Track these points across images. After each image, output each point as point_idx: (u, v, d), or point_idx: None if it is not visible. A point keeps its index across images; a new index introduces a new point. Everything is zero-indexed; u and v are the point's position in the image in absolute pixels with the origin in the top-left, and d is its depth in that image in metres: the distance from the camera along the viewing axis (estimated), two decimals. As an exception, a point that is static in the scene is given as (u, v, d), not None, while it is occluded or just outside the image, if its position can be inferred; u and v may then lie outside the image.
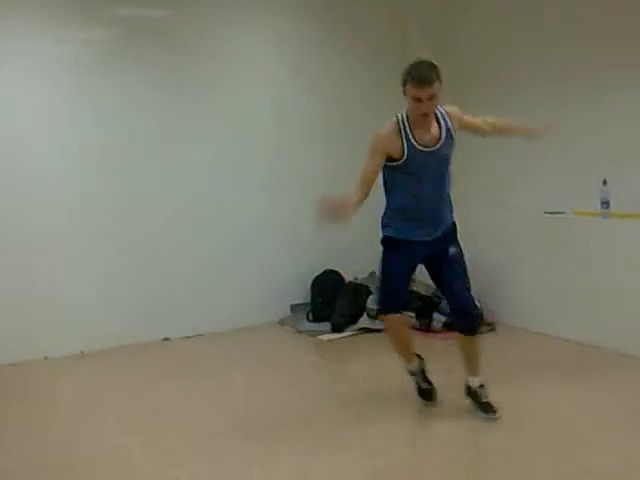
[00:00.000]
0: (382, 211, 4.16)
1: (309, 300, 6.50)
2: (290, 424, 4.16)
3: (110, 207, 5.76)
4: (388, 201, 4.13)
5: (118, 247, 5.81)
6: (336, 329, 6.11)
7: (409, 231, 4.03)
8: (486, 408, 4.13)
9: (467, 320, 4.09)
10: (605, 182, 5.23)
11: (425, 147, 3.90)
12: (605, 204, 5.26)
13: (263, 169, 6.35)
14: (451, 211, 4.18)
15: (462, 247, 4.16)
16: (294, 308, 6.57)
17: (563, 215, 5.58)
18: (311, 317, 6.37)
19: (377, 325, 5.89)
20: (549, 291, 5.80)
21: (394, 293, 4.12)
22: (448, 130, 3.96)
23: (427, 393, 4.32)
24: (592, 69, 5.28)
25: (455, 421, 4.13)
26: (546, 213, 5.70)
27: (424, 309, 6.07)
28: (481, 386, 4.19)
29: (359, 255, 6.21)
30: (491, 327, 6.00)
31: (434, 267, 4.17)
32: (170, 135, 5.96)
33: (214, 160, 6.17)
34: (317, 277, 6.51)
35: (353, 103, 6.54)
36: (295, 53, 6.49)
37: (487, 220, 6.21)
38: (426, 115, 3.84)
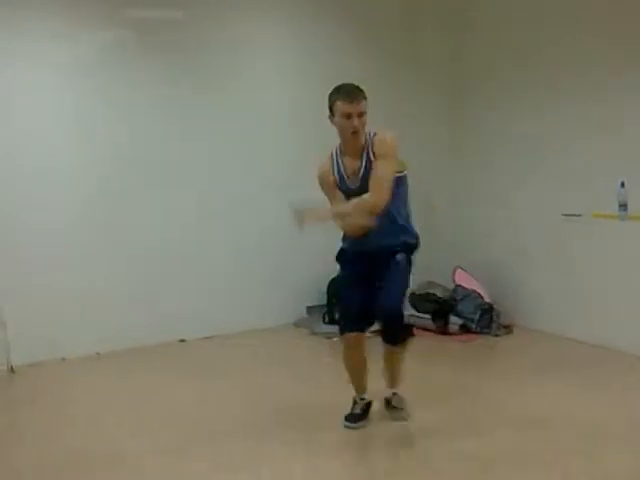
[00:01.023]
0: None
1: (325, 302, 6.48)
2: (304, 425, 4.16)
3: (125, 208, 5.79)
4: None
5: (134, 248, 5.83)
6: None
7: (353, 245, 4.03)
8: (395, 410, 4.17)
9: (391, 326, 4.00)
10: (623, 184, 5.20)
11: (349, 175, 3.95)
12: (623, 206, 5.22)
13: (280, 169, 6.34)
14: (405, 234, 4.04)
15: (409, 259, 4.02)
16: (310, 310, 6.56)
17: (580, 217, 5.55)
18: (327, 319, 6.36)
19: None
20: (566, 293, 5.77)
21: (347, 311, 4.11)
22: (368, 159, 3.88)
23: (354, 417, 4.16)
24: (610, 70, 5.26)
25: (463, 421, 4.14)
26: (563, 215, 5.66)
27: (440, 311, 6.05)
28: (394, 394, 4.22)
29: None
30: (508, 329, 5.98)
31: (376, 271, 4.04)
32: (182, 135, 5.98)
33: (229, 160, 6.18)
34: (333, 279, 6.48)
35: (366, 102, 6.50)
36: (307, 52, 6.48)
37: (503, 222, 6.20)
38: (356, 133, 3.85)
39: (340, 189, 3.99)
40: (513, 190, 6.16)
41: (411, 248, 4.03)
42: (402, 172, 3.93)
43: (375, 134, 3.89)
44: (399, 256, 3.96)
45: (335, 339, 5.96)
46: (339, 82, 6.35)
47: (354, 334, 4.04)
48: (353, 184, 3.93)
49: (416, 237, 4.06)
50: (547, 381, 4.76)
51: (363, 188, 3.85)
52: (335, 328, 6.06)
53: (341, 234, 4.11)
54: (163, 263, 5.95)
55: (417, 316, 5.99)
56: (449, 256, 6.24)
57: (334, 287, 4.08)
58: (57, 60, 5.49)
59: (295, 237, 6.35)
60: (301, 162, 6.39)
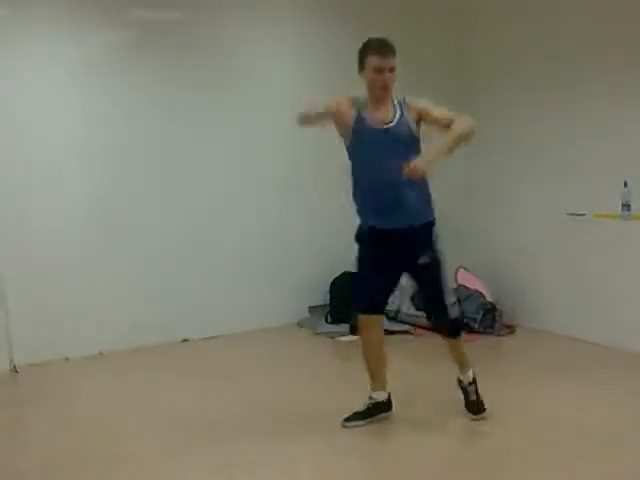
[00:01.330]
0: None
1: (328, 302, 6.50)
2: (308, 425, 4.15)
3: (128, 208, 5.78)
4: (352, 187, 4.05)
5: (137, 248, 5.83)
6: (354, 331, 6.09)
7: (374, 218, 3.94)
8: (472, 408, 4.13)
9: (442, 326, 4.07)
10: (626, 184, 5.20)
11: (377, 125, 3.86)
12: (626, 206, 5.22)
13: (281, 169, 6.34)
14: (426, 204, 4.00)
15: (440, 251, 4.00)
16: (312, 310, 6.56)
17: (584, 217, 5.55)
18: (329, 319, 6.36)
19: (396, 327, 5.90)
20: (569, 293, 5.77)
21: (363, 291, 4.06)
22: (402, 115, 3.86)
23: (353, 415, 4.12)
24: (613, 69, 5.25)
25: (466, 423, 4.13)
26: (568, 214, 5.66)
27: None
28: (470, 383, 4.16)
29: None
30: (511, 330, 5.98)
31: (413, 277, 4.11)
32: (184, 135, 5.96)
33: (232, 160, 6.18)
34: (336, 279, 6.50)
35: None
36: (312, 52, 6.47)
37: (506, 221, 6.20)
38: (386, 89, 3.84)
39: (355, 138, 3.90)
40: (516, 189, 6.16)
41: (432, 232, 3.98)
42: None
43: (405, 98, 3.91)
44: (425, 258, 3.92)
45: (338, 338, 6.01)
46: (341, 82, 6.44)
47: (370, 317, 4.02)
48: (379, 131, 3.84)
49: (432, 206, 4.03)
50: (551, 381, 4.75)
51: (395, 142, 3.81)
52: (338, 328, 6.16)
53: (358, 209, 4.05)
54: (165, 263, 5.95)
55: (419, 315, 5.98)
56: (451, 256, 6.18)
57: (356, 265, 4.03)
58: (63, 60, 5.48)
59: (297, 237, 6.42)
60: (302, 162, 6.43)
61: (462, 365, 4.17)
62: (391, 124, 3.85)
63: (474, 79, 6.52)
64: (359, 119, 3.88)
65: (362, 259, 4.08)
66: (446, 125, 3.83)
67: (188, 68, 5.92)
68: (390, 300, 6.14)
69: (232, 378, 5.09)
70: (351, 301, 4.20)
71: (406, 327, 6.09)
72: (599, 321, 5.50)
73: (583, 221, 5.54)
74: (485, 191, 6.47)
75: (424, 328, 6.04)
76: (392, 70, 3.82)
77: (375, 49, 3.80)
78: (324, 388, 4.83)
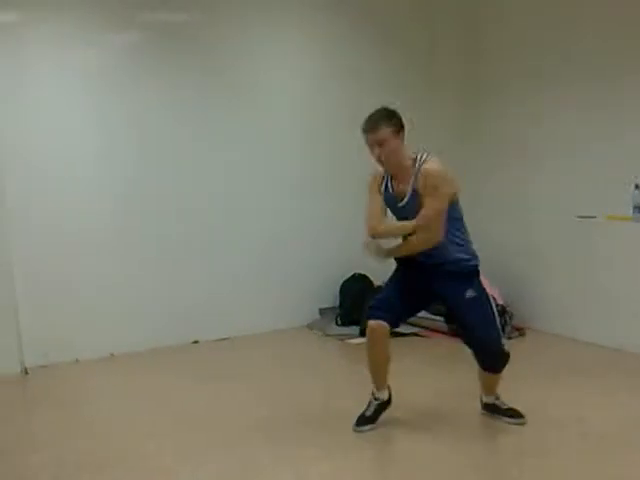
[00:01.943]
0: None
1: (338, 304, 6.50)
2: (317, 427, 4.16)
3: (139, 210, 5.80)
4: None
5: (149, 250, 5.85)
6: (364, 333, 6.08)
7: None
8: (512, 413, 4.11)
9: (492, 362, 4.00)
10: (637, 187, 5.18)
11: (395, 197, 3.94)
12: (637, 209, 5.21)
13: (292, 173, 6.37)
14: (459, 252, 3.94)
15: (482, 291, 3.97)
16: (323, 312, 6.57)
17: (595, 219, 5.53)
18: (340, 321, 6.37)
19: (405, 329, 5.88)
20: (579, 296, 5.75)
21: (382, 301, 4.05)
22: (414, 189, 3.84)
23: (364, 420, 4.11)
24: (626, 70, 5.25)
25: (481, 426, 4.14)
26: (578, 217, 5.64)
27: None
28: (496, 398, 4.17)
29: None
30: (520, 332, 5.96)
31: (451, 309, 4.10)
32: (198, 137, 5.99)
33: (245, 163, 6.19)
34: (346, 281, 6.51)
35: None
36: (325, 53, 6.49)
37: (516, 224, 6.19)
38: (382, 162, 3.87)
39: (385, 202, 4.00)
40: (527, 191, 6.15)
41: (469, 268, 3.95)
42: (453, 200, 3.87)
43: (424, 161, 3.82)
44: (469, 292, 3.90)
45: (348, 341, 6.01)
46: (349, 84, 6.48)
47: (379, 323, 3.97)
48: (399, 205, 3.93)
49: (472, 255, 3.98)
50: (561, 384, 4.75)
51: (408, 214, 3.87)
52: (348, 330, 6.17)
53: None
54: (176, 265, 5.97)
55: (430, 318, 5.98)
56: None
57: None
58: (72, 63, 5.50)
59: (307, 239, 6.43)
60: (314, 166, 6.44)
61: (492, 391, 4.17)
62: (404, 200, 3.90)
63: (485, 80, 6.51)
64: (385, 186, 4.00)
65: (393, 279, 4.14)
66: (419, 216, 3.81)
67: (203, 70, 5.94)
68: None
69: (242, 380, 5.09)
70: (366, 305, 4.15)
71: (415, 329, 6.08)
72: (609, 324, 5.48)
73: (595, 223, 5.52)
74: (496, 192, 6.45)
75: (433, 330, 6.06)
76: (381, 144, 3.80)
77: (363, 125, 3.85)
78: (334, 390, 4.83)
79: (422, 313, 5.95)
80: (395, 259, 4.10)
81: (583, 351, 5.49)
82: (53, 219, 5.49)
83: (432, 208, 3.75)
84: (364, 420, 4.10)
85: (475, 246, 4.04)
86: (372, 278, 6.51)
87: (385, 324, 3.96)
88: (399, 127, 3.83)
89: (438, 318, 5.99)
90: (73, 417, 4.51)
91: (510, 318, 5.95)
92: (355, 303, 6.30)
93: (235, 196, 6.16)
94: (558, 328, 5.87)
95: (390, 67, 6.60)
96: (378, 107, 3.88)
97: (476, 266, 3.98)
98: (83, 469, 3.72)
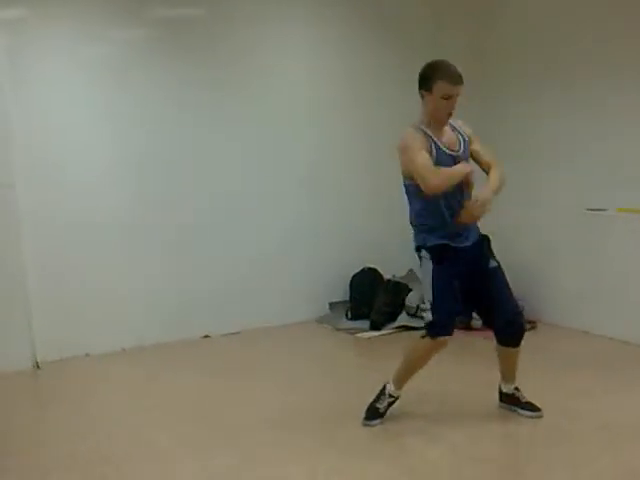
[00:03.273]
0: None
1: (348, 298, 6.49)
2: (327, 421, 4.17)
3: (150, 205, 5.80)
4: (417, 211, 3.97)
5: (159, 244, 5.86)
6: (375, 327, 6.10)
7: (448, 238, 3.89)
8: (530, 407, 4.10)
9: (513, 330, 4.00)
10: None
11: (449, 150, 3.88)
12: (648, 200, 5.18)
13: (303, 167, 6.36)
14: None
15: (498, 260, 4.03)
16: (333, 306, 6.56)
17: (605, 212, 5.51)
18: (350, 315, 6.36)
19: (416, 323, 5.87)
20: (590, 289, 5.72)
21: (446, 311, 3.90)
22: (464, 141, 3.93)
23: (376, 414, 4.10)
24: (636, 64, 5.20)
25: (492, 420, 4.12)
26: (588, 210, 5.62)
27: (464, 307, 6.01)
28: (516, 388, 4.16)
29: (397, 253, 6.16)
30: (532, 325, 5.94)
31: (474, 284, 3.95)
32: (211, 133, 5.98)
33: (256, 158, 6.19)
34: (355, 275, 6.50)
35: (393, 100, 6.45)
36: (334, 49, 6.47)
37: (527, 217, 6.16)
38: (451, 115, 3.85)
39: (438, 159, 3.84)
40: (537, 185, 6.11)
41: (485, 236, 4.04)
42: None
43: (457, 122, 3.97)
44: (493, 262, 3.98)
45: (358, 334, 6.00)
46: (359, 78, 6.46)
47: (447, 338, 3.90)
48: (456, 154, 3.88)
49: None
50: (572, 376, 4.74)
51: (462, 162, 3.88)
52: (358, 324, 6.16)
53: (428, 227, 3.93)
54: (186, 259, 5.97)
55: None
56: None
57: (434, 284, 3.93)
58: (82, 58, 5.49)
59: (317, 233, 6.42)
60: (323, 161, 6.43)
61: (512, 376, 4.14)
62: (460, 151, 3.90)
63: (493, 77, 6.48)
64: (435, 147, 3.85)
65: (441, 282, 3.90)
66: (484, 164, 3.99)
67: (213, 65, 5.92)
68: (410, 296, 6.20)
69: (253, 374, 5.10)
70: (431, 322, 3.94)
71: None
72: (621, 316, 5.46)
73: (605, 216, 5.50)
74: (506, 187, 6.42)
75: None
76: (458, 96, 3.80)
77: (448, 76, 3.74)
78: (344, 384, 4.83)
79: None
80: (438, 254, 3.89)
81: (595, 343, 5.47)
82: (64, 214, 5.49)
83: (488, 150, 4.00)
84: (375, 414, 4.09)
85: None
86: (382, 271, 6.51)
87: (448, 337, 3.92)
88: None
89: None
90: (84, 411, 4.53)
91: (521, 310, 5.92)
92: (365, 297, 6.31)
93: (244, 191, 6.15)
94: (569, 321, 5.85)
95: (403, 64, 6.53)
96: (437, 59, 3.88)
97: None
98: (94, 463, 3.74)
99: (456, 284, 3.88)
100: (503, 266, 4.05)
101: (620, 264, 5.47)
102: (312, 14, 6.35)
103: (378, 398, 4.13)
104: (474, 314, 5.93)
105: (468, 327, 5.93)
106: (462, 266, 3.88)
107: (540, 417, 4.05)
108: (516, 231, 6.25)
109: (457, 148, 3.90)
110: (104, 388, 4.99)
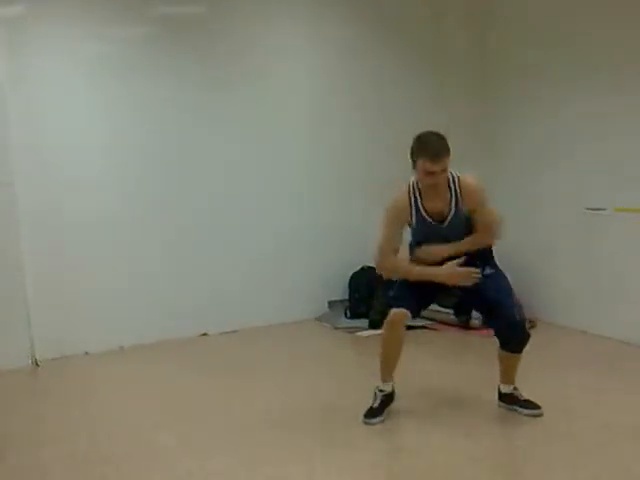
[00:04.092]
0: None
1: (347, 297, 6.50)
2: (327, 420, 4.17)
3: (149, 204, 5.81)
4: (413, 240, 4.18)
5: (158, 243, 5.86)
6: (374, 326, 6.09)
7: None
8: (529, 405, 4.10)
9: (514, 337, 3.99)
10: (648, 178, 5.17)
11: (433, 219, 3.94)
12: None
13: (302, 167, 6.36)
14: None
15: (497, 269, 4.09)
16: (332, 305, 6.57)
17: (604, 211, 5.51)
18: (349, 314, 6.37)
19: (415, 322, 5.86)
20: (589, 288, 5.73)
21: (402, 290, 4.06)
22: (457, 205, 3.92)
23: (371, 412, 4.11)
24: (632, 64, 5.20)
25: (491, 420, 4.12)
26: (587, 209, 5.62)
27: (462, 306, 6.01)
28: (515, 388, 4.17)
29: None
30: (531, 324, 5.93)
31: (469, 289, 3.99)
32: (211, 131, 5.99)
33: (253, 158, 6.19)
34: (354, 273, 6.50)
35: (394, 102, 6.47)
36: (334, 49, 6.46)
37: (525, 216, 6.16)
38: (436, 187, 3.86)
39: (416, 229, 4.03)
40: (536, 184, 6.12)
41: (484, 250, 4.05)
42: None
43: (459, 178, 3.91)
44: (488, 269, 4.01)
45: (358, 333, 6.01)
46: (360, 79, 6.45)
47: (403, 311, 3.95)
48: (437, 226, 3.95)
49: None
50: (571, 377, 4.74)
51: (450, 233, 3.93)
52: (357, 323, 6.17)
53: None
54: (185, 258, 5.98)
55: (439, 311, 5.97)
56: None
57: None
58: (80, 57, 5.49)
59: (316, 233, 6.42)
60: (321, 161, 6.43)
61: (511, 378, 4.15)
62: (448, 218, 3.93)
63: (493, 77, 6.48)
64: (416, 211, 3.95)
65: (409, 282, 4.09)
66: (482, 226, 4.00)
67: (212, 65, 5.93)
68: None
69: (251, 373, 5.10)
70: (388, 295, 4.14)
71: (424, 322, 6.08)
72: (619, 316, 5.46)
73: (604, 216, 5.50)
74: (505, 185, 6.43)
75: (442, 323, 6.06)
76: (444, 171, 3.81)
77: (428, 154, 3.75)
78: (343, 383, 4.84)
79: (431, 306, 5.98)
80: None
81: (593, 343, 5.48)
82: (63, 213, 5.49)
83: (492, 215, 3.99)
84: (371, 412, 4.10)
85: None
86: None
87: (407, 312, 3.96)
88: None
89: (447, 311, 5.98)
90: (83, 409, 4.53)
91: (520, 310, 5.93)
92: (364, 296, 6.31)
93: (243, 190, 6.15)
94: (568, 320, 5.86)
95: (403, 66, 6.56)
96: (425, 131, 3.85)
97: (490, 246, 4.09)
98: (93, 461, 3.73)
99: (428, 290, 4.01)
100: (502, 267, 4.06)
101: (619, 263, 5.47)
102: (312, 14, 6.35)
103: (373, 396, 4.15)
104: (473, 313, 5.97)
105: (467, 326, 5.95)
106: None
107: (540, 415, 4.05)
108: (515, 230, 6.23)
109: (444, 215, 3.93)
110: (103, 386, 5.00)
